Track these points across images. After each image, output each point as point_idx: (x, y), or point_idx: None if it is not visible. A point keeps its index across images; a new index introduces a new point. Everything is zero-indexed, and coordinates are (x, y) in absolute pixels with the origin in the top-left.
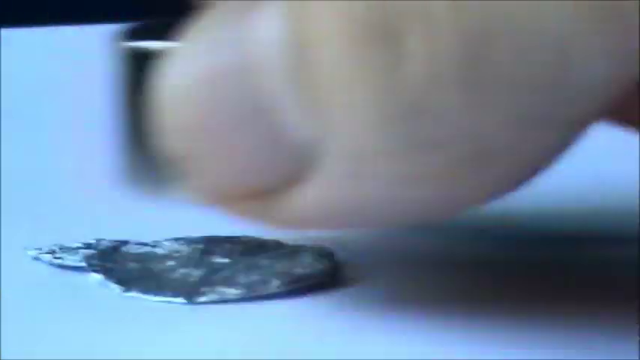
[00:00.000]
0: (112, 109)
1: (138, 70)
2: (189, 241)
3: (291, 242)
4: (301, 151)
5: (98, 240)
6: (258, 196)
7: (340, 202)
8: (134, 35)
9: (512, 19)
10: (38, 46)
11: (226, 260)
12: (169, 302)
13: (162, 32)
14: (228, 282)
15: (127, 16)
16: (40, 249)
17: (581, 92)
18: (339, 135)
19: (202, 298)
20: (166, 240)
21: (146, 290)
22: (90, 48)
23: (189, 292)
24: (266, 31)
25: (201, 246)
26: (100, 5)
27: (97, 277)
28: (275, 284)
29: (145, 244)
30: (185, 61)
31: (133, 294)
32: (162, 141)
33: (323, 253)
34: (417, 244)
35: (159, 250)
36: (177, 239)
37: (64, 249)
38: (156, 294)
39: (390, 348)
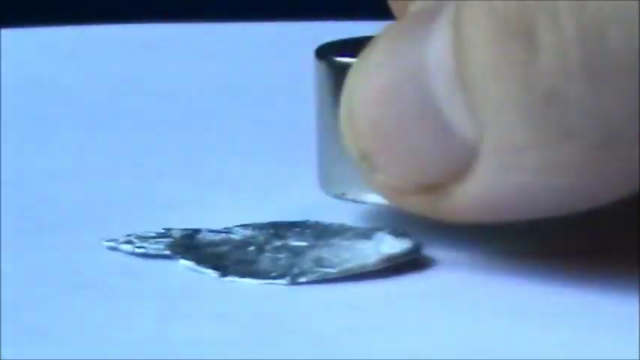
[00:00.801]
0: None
1: (335, 81)
2: (256, 227)
3: (356, 225)
4: (464, 149)
5: (168, 229)
6: (427, 191)
7: (496, 195)
8: (331, 51)
9: (620, 8)
10: (38, 46)
11: (304, 243)
12: (270, 284)
13: (354, 49)
14: (322, 262)
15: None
16: (117, 239)
17: None
18: (493, 131)
19: (302, 279)
20: (236, 227)
21: (243, 274)
22: (90, 48)
23: (288, 273)
24: (435, 42)
25: (271, 231)
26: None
27: (187, 263)
28: (371, 262)
29: (218, 232)
30: (369, 71)
31: (230, 278)
32: (350, 142)
33: (398, 233)
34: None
35: (234, 237)
36: (244, 226)
37: (141, 238)
38: (254, 277)
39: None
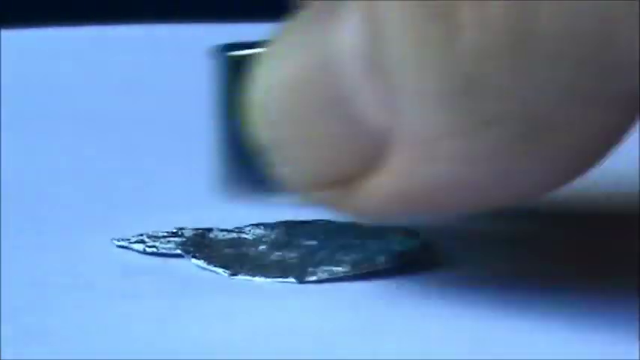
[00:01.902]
0: (210, 115)
1: (233, 75)
2: (268, 226)
3: (366, 224)
4: (377, 139)
5: (179, 228)
6: (338, 184)
7: (411, 188)
8: (229, 48)
9: None
10: (38, 46)
11: (314, 242)
12: (280, 283)
13: (253, 46)
14: (333, 261)
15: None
16: (129, 239)
17: (627, 68)
18: (408, 119)
19: (313, 277)
20: (247, 226)
21: (254, 273)
22: (90, 48)
23: (298, 271)
24: (348, 26)
25: (283, 230)
26: (101, 5)
27: (198, 262)
28: (380, 261)
29: (230, 231)
30: (275, 60)
31: (241, 277)
32: (255, 134)
33: (408, 231)
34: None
35: (245, 236)
36: (256, 225)
37: (153, 237)
38: (264, 276)
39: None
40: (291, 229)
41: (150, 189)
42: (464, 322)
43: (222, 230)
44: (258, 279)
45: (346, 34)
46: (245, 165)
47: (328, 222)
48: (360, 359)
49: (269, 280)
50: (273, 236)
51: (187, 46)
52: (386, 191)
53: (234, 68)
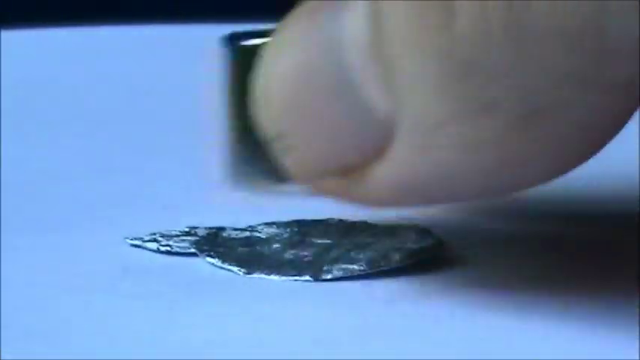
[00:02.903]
0: (219, 107)
1: (243, 66)
2: (281, 225)
3: (379, 223)
4: (381, 127)
5: (192, 227)
6: (343, 173)
7: (412, 176)
8: (237, 38)
9: None
10: (38, 46)
11: (328, 241)
12: (295, 281)
13: (261, 35)
14: (347, 259)
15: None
16: (142, 238)
17: (626, 54)
18: (409, 107)
19: (328, 275)
20: (260, 225)
21: (268, 271)
22: (90, 49)
23: (313, 270)
24: (351, 15)
25: (295, 229)
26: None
27: (212, 261)
28: (395, 259)
29: (242, 230)
30: (280, 49)
31: (256, 275)
32: (261, 124)
33: (421, 229)
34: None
35: (258, 235)
36: (268, 224)
37: (166, 236)
38: (279, 274)
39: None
40: (304, 227)
41: (156, 189)
42: (477, 320)
43: (235, 229)
44: (273, 277)
45: (350, 22)
46: (255, 155)
47: (340, 221)
48: (375, 358)
49: (284, 278)
50: (286, 235)
51: (187, 46)
52: (390, 179)
53: (244, 57)
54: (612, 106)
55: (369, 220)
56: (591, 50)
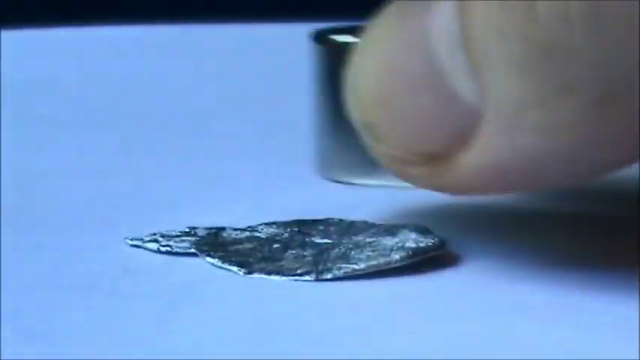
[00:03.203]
0: (312, 99)
1: (334, 61)
2: (280, 225)
3: (379, 222)
4: (468, 114)
5: (192, 227)
6: (431, 161)
7: (500, 162)
8: (328, 33)
9: None
10: (38, 46)
11: (328, 241)
12: (296, 281)
13: (347, 32)
14: (348, 259)
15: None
16: (142, 238)
17: None
18: (494, 92)
19: (328, 275)
20: (260, 225)
21: (269, 271)
22: (90, 49)
23: (314, 270)
24: (439, 7)
25: (295, 229)
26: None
27: (212, 261)
28: (396, 258)
29: (242, 230)
30: (371, 41)
31: (256, 275)
32: (355, 112)
33: (422, 229)
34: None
35: (258, 235)
36: (268, 224)
37: (166, 237)
38: (280, 274)
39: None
40: (304, 227)
41: (156, 189)
42: (477, 319)
43: (235, 229)
44: (273, 277)
45: (440, 13)
46: (347, 145)
47: (340, 220)
48: (375, 358)
49: (284, 278)
50: (286, 235)
51: (187, 46)
52: (475, 166)
53: (335, 53)
54: None
55: (369, 220)
56: None
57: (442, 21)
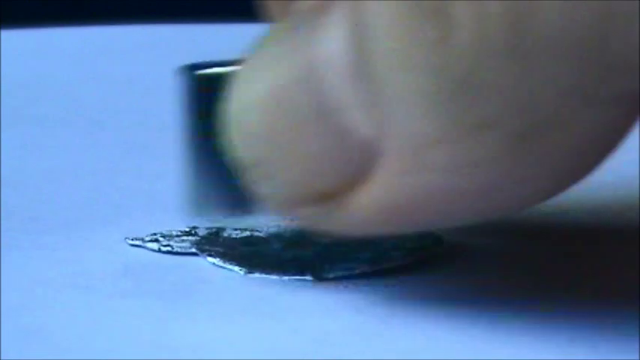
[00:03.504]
0: (180, 134)
1: (208, 94)
2: (281, 224)
3: None
4: (364, 151)
5: (193, 227)
6: (322, 200)
7: (401, 200)
8: (198, 67)
9: None
10: (38, 46)
11: (329, 240)
12: (296, 280)
13: (221, 65)
14: (348, 258)
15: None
16: (142, 238)
17: (626, 69)
18: (397, 129)
19: (329, 275)
20: (260, 224)
21: (269, 270)
22: (90, 48)
23: (315, 269)
24: (330, 34)
25: (296, 228)
26: (101, 5)
27: (213, 260)
28: (395, 257)
29: (243, 229)
30: (255, 73)
31: (256, 275)
32: (233, 152)
33: None
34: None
35: (259, 234)
36: (269, 223)
37: (167, 236)
38: (280, 273)
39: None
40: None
41: (156, 189)
42: (477, 319)
43: (235, 229)
44: (273, 277)
45: (330, 40)
46: (220, 184)
47: None
48: (375, 358)
49: (284, 278)
50: (286, 234)
51: (187, 46)
52: (374, 204)
53: (204, 86)
54: (613, 120)
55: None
56: (594, 62)
57: (333, 46)
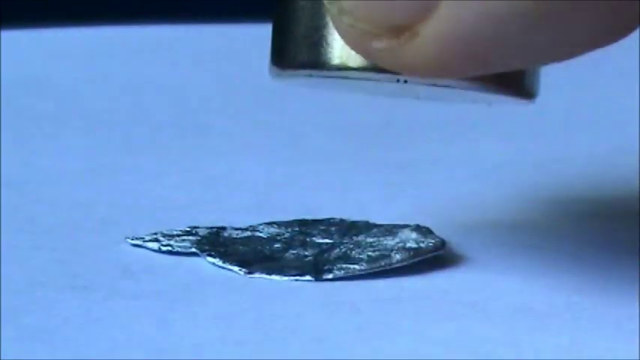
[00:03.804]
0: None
1: None
2: (281, 224)
3: (380, 223)
4: None
5: (193, 227)
6: (394, 33)
7: (465, 31)
8: None
9: None
10: (38, 46)
11: (329, 240)
12: (296, 281)
13: None
14: (348, 259)
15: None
16: (143, 238)
17: None
18: None
19: (329, 275)
20: (260, 225)
21: (269, 271)
22: (90, 49)
23: (315, 269)
24: None
25: (296, 229)
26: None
27: (213, 260)
28: (396, 258)
29: (244, 229)
30: None
31: (257, 275)
32: None
33: (422, 230)
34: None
35: (259, 234)
36: (269, 224)
37: (167, 236)
38: (280, 274)
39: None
40: (305, 227)
41: (156, 189)
42: (477, 319)
43: (235, 229)
44: (273, 277)
45: None
46: (301, 38)
47: (341, 220)
48: (375, 358)
49: (285, 278)
50: (286, 235)
51: (187, 46)
52: (443, 36)
53: None
54: None
55: (370, 220)
56: None
57: None
